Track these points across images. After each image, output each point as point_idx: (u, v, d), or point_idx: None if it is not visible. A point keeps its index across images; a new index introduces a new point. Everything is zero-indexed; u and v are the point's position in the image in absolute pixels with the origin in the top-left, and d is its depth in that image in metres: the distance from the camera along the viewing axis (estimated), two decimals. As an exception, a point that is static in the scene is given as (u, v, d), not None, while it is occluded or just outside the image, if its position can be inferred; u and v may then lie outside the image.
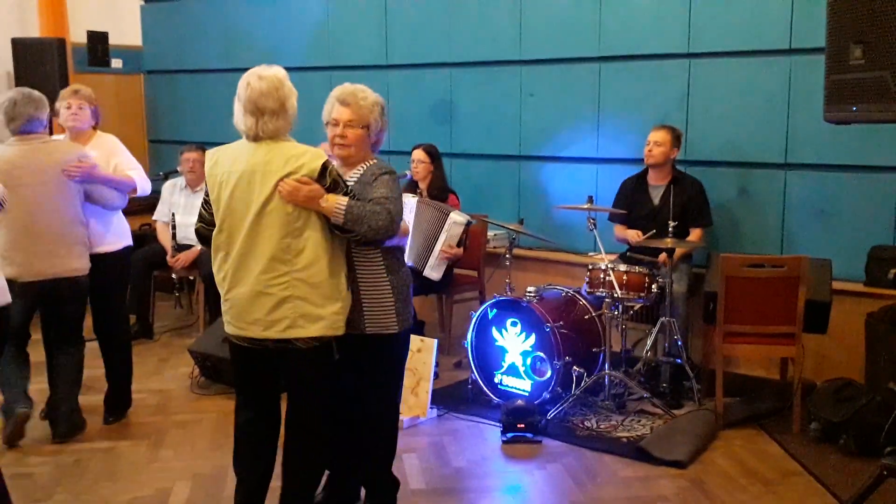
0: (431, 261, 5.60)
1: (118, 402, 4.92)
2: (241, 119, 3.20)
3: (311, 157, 3.14)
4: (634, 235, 5.32)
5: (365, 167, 3.37)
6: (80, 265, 4.51)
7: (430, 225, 5.61)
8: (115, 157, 4.81)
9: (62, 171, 4.38)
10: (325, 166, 3.14)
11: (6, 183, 4.13)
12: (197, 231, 3.39)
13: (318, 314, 3.18)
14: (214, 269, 3.30)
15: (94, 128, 4.93)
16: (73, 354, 4.66)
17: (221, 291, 3.29)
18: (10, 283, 4.18)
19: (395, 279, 3.35)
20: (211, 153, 3.32)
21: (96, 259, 4.62)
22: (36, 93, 4.48)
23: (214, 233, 3.25)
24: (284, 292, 3.15)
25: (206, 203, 3.33)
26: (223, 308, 3.31)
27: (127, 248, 4.87)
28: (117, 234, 4.79)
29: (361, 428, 3.50)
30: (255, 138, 3.18)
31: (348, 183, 3.30)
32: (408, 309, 3.41)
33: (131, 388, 5.01)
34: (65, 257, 4.43)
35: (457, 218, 5.55)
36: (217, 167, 3.25)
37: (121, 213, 4.85)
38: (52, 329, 4.65)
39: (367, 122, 3.30)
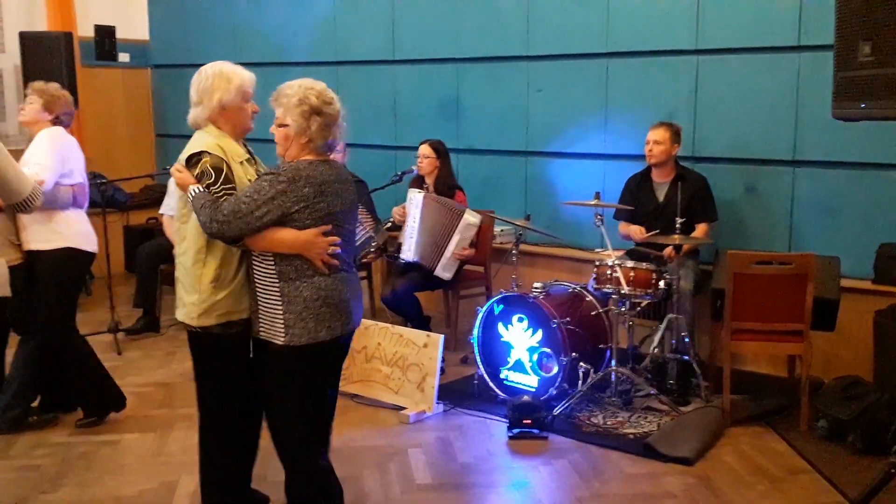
0: (443, 261, 5.60)
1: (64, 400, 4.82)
2: None
3: (189, 148, 3.24)
4: (637, 231, 5.31)
5: None
6: None
7: (441, 224, 5.61)
8: (31, 151, 4.56)
9: None
10: (195, 157, 3.19)
11: None
12: None
13: (184, 300, 3.29)
14: None
15: (55, 122, 4.66)
16: (21, 344, 4.65)
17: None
18: None
19: (290, 289, 3.12)
20: None
21: (31, 256, 4.54)
22: None
23: None
24: (176, 272, 3.35)
25: None
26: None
27: (66, 250, 4.56)
28: (55, 234, 4.54)
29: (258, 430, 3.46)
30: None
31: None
32: (306, 324, 3.11)
33: (82, 396, 4.80)
34: None
35: (471, 219, 5.55)
36: None
37: (71, 213, 4.59)
38: None
39: (284, 121, 3.17)
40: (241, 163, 3.28)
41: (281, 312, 3.14)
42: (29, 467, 4.22)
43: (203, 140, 3.25)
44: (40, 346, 4.62)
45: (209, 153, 3.18)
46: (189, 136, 3.33)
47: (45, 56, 7.28)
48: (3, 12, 7.78)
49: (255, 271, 3.21)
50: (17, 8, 7.89)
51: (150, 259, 6.60)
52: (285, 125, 3.16)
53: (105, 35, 8.26)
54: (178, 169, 3.22)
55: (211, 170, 3.15)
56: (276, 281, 3.14)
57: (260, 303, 3.21)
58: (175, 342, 6.29)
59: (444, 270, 5.62)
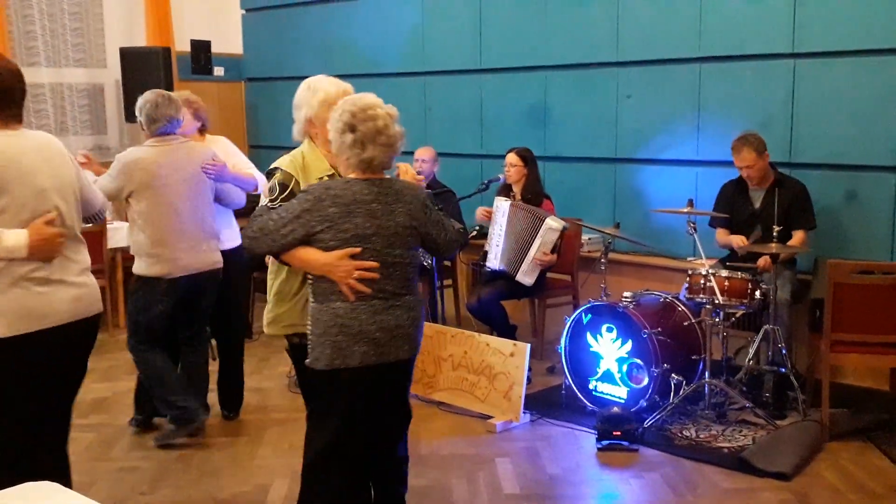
0: (525, 266, 5.58)
1: (235, 397, 5.08)
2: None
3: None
4: (739, 241, 5.17)
5: None
6: (217, 258, 4.69)
7: (524, 229, 5.59)
8: (232, 158, 4.99)
9: (201, 170, 4.56)
10: (270, 172, 3.26)
11: (151, 183, 4.39)
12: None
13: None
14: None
15: (202, 131, 5.05)
16: (203, 353, 4.87)
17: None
18: (157, 280, 4.42)
19: (316, 310, 3.05)
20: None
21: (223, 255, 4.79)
22: (173, 94, 4.65)
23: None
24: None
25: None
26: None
27: (241, 247, 4.94)
28: (235, 232, 4.92)
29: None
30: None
31: None
32: (323, 349, 3.02)
33: (244, 385, 5.15)
34: (206, 252, 4.61)
35: (552, 224, 5.52)
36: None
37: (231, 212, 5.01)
38: (184, 326, 4.75)
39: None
40: (323, 178, 3.17)
41: (310, 333, 3.05)
42: (127, 469, 4.35)
43: (290, 155, 3.29)
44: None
45: (281, 169, 3.22)
46: (281, 149, 3.38)
47: (145, 71, 7.53)
48: (104, 29, 8.08)
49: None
50: (117, 25, 8.18)
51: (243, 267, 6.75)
52: None
53: (201, 50, 8.51)
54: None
55: (277, 185, 3.16)
56: (312, 300, 3.07)
57: None
58: (269, 348, 6.41)
59: (525, 276, 5.60)
